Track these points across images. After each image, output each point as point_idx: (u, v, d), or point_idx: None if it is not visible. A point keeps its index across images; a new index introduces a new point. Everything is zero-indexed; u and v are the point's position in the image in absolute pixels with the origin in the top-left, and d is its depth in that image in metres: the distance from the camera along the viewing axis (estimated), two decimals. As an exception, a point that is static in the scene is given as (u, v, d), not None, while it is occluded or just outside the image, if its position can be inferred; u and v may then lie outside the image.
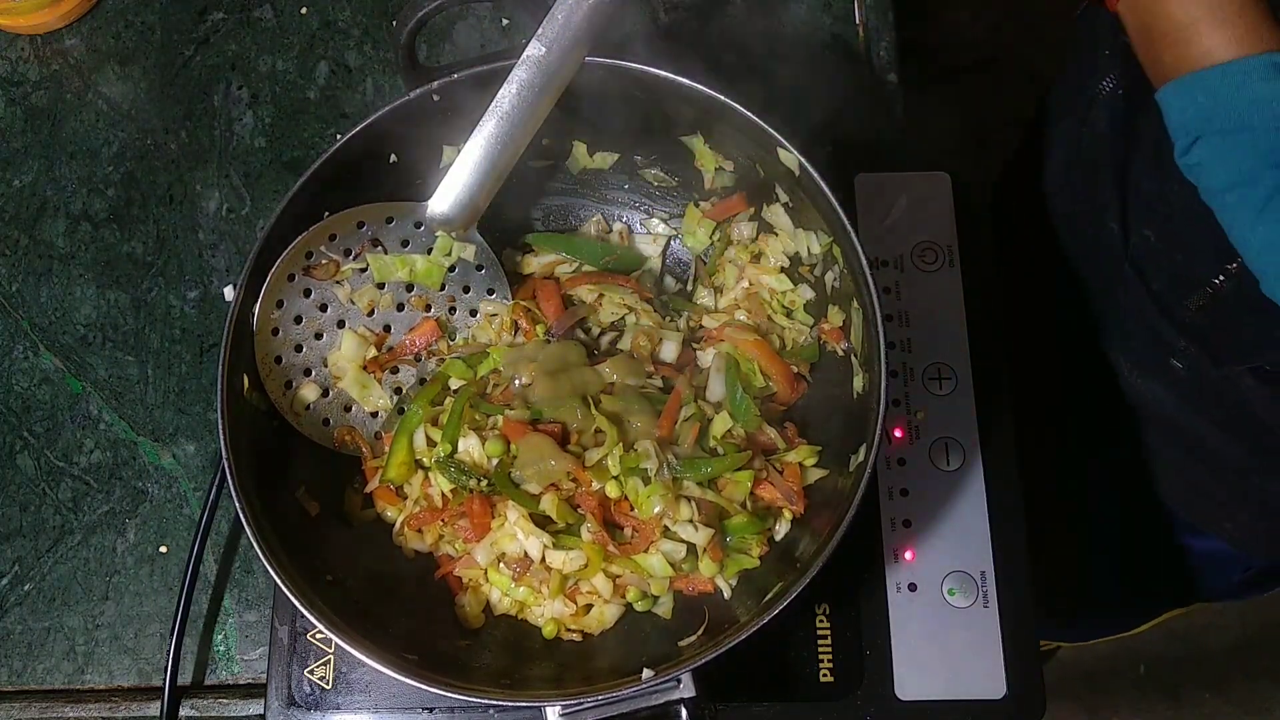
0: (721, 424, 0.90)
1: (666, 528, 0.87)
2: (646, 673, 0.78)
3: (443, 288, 0.97)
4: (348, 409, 0.94)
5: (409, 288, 0.96)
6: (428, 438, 0.91)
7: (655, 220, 1.05)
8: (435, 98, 0.88)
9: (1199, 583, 1.41)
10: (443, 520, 0.91)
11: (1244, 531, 1.15)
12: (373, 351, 0.94)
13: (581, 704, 0.77)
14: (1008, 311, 1.02)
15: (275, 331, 0.89)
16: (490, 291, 0.99)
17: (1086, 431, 1.32)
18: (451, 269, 0.96)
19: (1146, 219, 0.98)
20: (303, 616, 0.79)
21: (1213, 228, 0.75)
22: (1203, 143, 0.73)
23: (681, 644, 0.86)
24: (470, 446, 0.89)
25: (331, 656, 0.93)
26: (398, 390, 0.96)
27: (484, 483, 0.88)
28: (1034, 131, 1.24)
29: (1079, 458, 1.38)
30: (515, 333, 0.97)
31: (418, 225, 0.93)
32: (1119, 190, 1.01)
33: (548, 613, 0.90)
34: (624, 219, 1.05)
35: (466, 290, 0.98)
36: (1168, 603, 1.72)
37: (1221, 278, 0.90)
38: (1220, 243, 0.75)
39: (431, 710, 0.92)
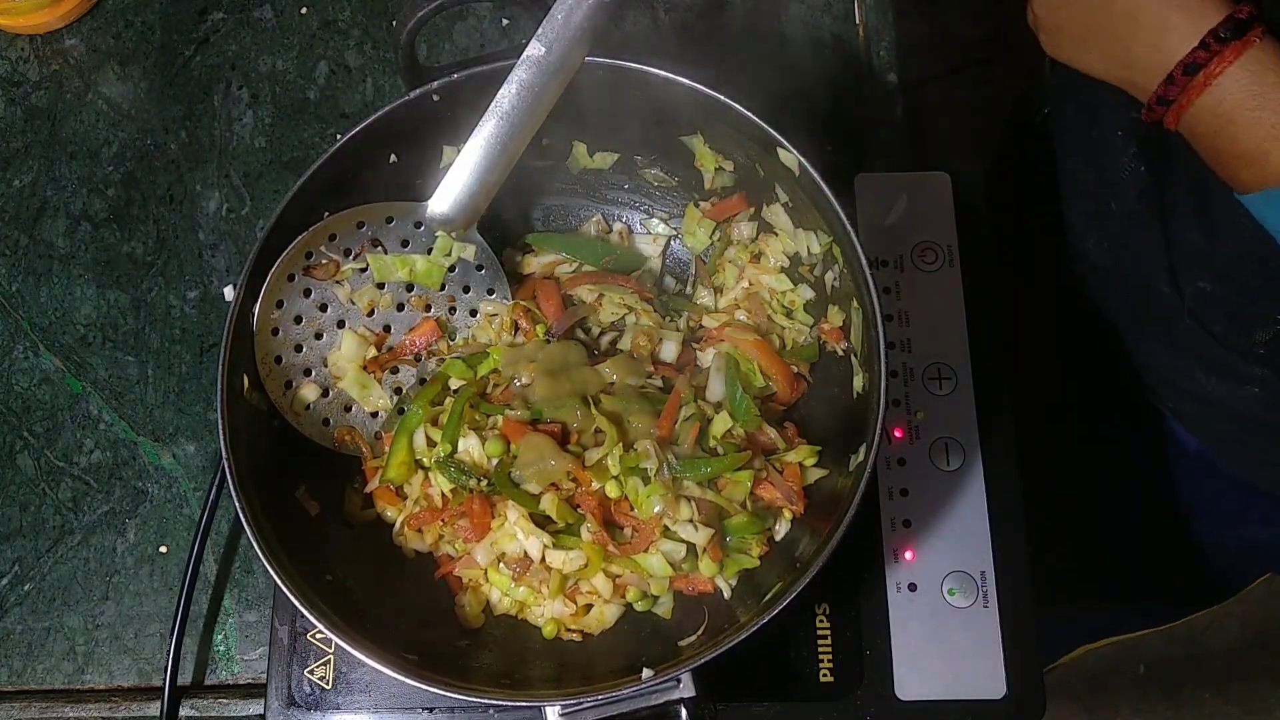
0: (721, 424, 0.90)
1: (666, 528, 0.87)
2: (646, 673, 0.78)
3: (443, 288, 0.97)
4: (348, 409, 0.94)
5: (409, 288, 0.96)
6: (428, 438, 0.91)
7: (655, 220, 1.05)
8: (435, 98, 0.88)
9: None
10: (443, 520, 0.91)
11: None
12: (373, 351, 0.94)
13: (581, 704, 0.77)
14: (1008, 311, 1.02)
15: (275, 331, 0.89)
16: (490, 291, 0.99)
17: (1090, 424, 1.32)
18: (451, 269, 0.96)
19: (1199, 272, 0.98)
20: (303, 616, 0.79)
21: (1272, 270, 0.76)
22: None
23: (681, 644, 0.86)
24: (470, 446, 0.89)
25: (331, 656, 0.93)
26: (398, 390, 0.96)
27: (484, 483, 0.88)
28: (1021, 127, 1.23)
29: (1080, 455, 1.38)
30: (515, 333, 0.97)
31: (418, 225, 0.93)
32: (1164, 252, 1.00)
33: (548, 613, 0.90)
34: (624, 219, 1.05)
35: (466, 290, 0.98)
36: (1219, 590, 1.69)
37: None
38: None
39: (431, 710, 0.92)
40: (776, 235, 0.97)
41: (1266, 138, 0.74)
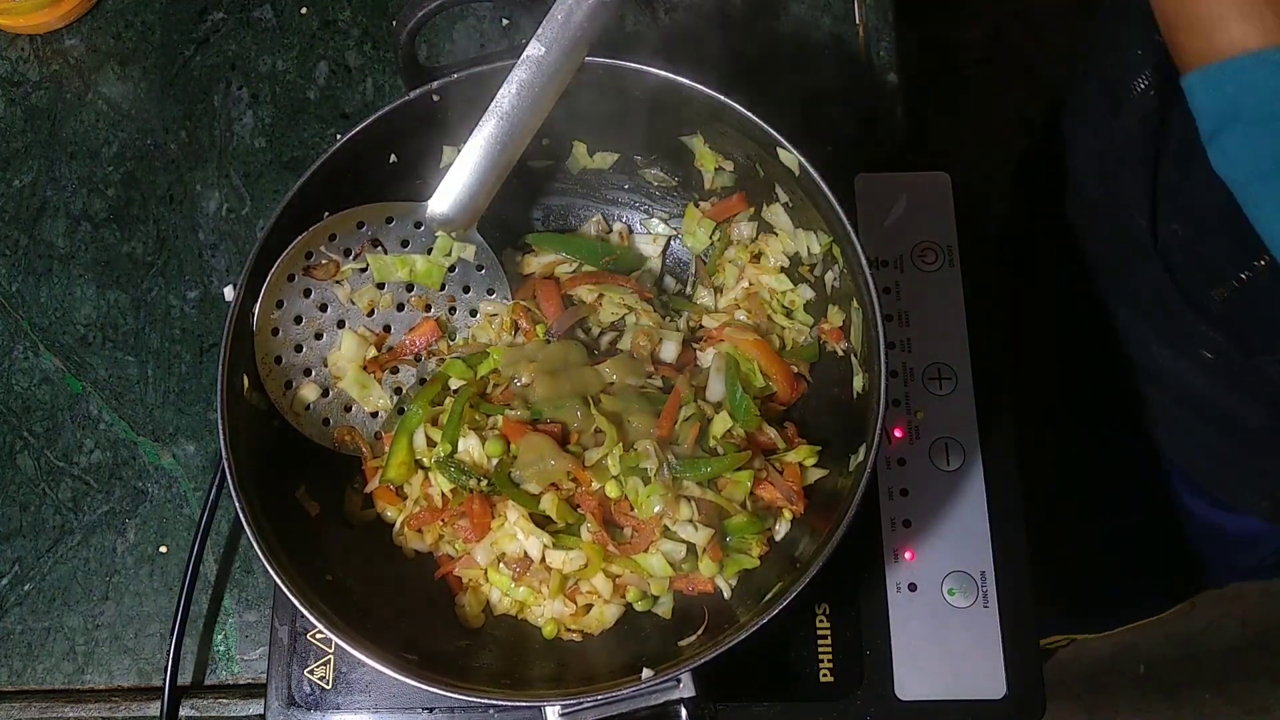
0: (721, 424, 0.90)
1: (666, 528, 0.87)
2: (646, 673, 0.78)
3: (443, 288, 0.97)
4: (348, 409, 0.94)
5: (409, 288, 0.96)
6: (428, 438, 0.91)
7: (655, 220, 1.05)
8: (435, 98, 0.88)
9: (1232, 562, 1.40)
10: (443, 520, 0.91)
11: (1277, 506, 1.15)
12: (373, 351, 0.94)
13: (581, 704, 0.77)
14: (1008, 311, 1.02)
15: (275, 331, 0.89)
16: (490, 291, 0.99)
17: (1090, 424, 1.32)
18: (451, 269, 0.96)
19: (1174, 213, 0.98)
20: (303, 616, 0.79)
21: (1238, 222, 0.75)
22: (1230, 131, 0.72)
23: (681, 644, 0.86)
24: (470, 446, 0.89)
25: (331, 656, 0.93)
26: (398, 390, 0.96)
27: (484, 483, 0.88)
28: (1050, 128, 1.23)
29: (1080, 455, 1.38)
30: (515, 333, 0.97)
31: (418, 225, 0.93)
32: (1149, 185, 1.01)
33: (548, 613, 0.90)
34: (624, 219, 1.05)
35: (466, 290, 0.98)
36: (1190, 587, 1.71)
37: (1247, 273, 0.90)
38: (1247, 237, 0.75)
39: (431, 710, 0.92)
40: (776, 235, 0.97)
41: (1230, 8, 0.71)
